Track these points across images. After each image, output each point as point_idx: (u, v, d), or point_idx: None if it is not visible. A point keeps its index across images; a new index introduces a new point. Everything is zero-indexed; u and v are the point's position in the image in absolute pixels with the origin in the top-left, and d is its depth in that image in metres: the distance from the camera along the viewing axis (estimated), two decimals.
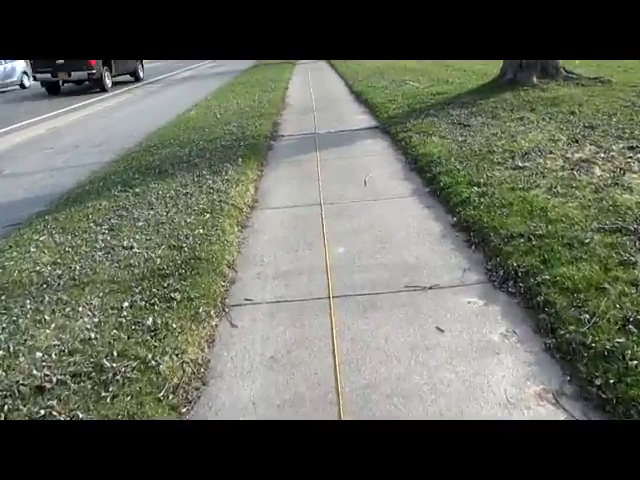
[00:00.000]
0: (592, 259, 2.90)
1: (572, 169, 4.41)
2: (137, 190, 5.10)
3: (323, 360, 2.49)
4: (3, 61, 20.12)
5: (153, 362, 2.40)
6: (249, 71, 20.30)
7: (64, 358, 2.50)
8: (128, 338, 2.62)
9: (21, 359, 2.52)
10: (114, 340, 2.61)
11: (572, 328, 2.38)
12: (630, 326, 2.31)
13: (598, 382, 2.08)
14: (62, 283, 3.30)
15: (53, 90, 16.93)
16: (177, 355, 2.47)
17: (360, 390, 2.27)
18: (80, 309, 2.95)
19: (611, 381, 2.04)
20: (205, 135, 7.64)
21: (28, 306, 3.02)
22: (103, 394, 2.22)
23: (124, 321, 2.77)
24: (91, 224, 4.30)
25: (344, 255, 3.59)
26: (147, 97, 15.08)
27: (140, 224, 4.18)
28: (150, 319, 2.75)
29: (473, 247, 3.52)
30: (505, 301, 2.84)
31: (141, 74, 20.25)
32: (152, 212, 4.42)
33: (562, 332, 2.39)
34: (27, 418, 2.10)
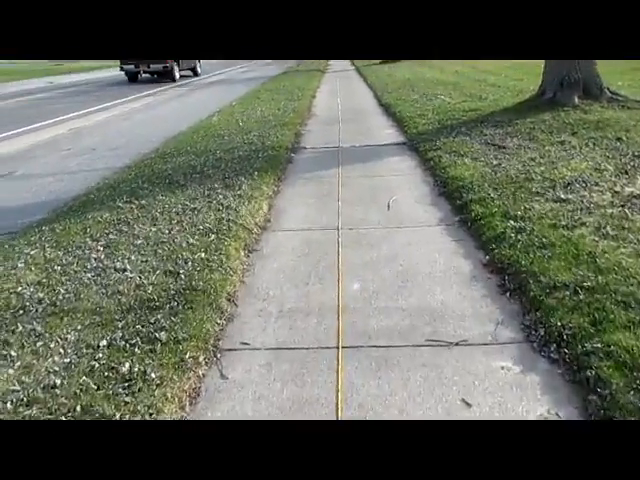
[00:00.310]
0: None
1: (623, 206, 3.91)
2: (143, 202, 4.75)
3: None
4: None
5: None
6: (278, 78, 20.04)
7: (20, 410, 2.13)
8: (97, 389, 2.23)
9: None
10: (81, 390, 2.22)
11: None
12: None
13: None
14: (41, 310, 2.94)
15: (133, 79, 20.32)
16: (150, 415, 2.07)
17: None
18: (52, 345, 2.58)
19: None
20: (223, 144, 7.30)
21: None
22: None
23: (97, 365, 2.39)
24: (87, 239, 3.96)
25: (359, 293, 3.17)
26: (172, 100, 14.89)
27: (139, 242, 3.82)
28: (127, 365, 2.36)
29: (508, 294, 3.06)
30: (546, 370, 2.38)
31: (199, 70, 23.06)
32: (154, 229, 4.06)
33: None
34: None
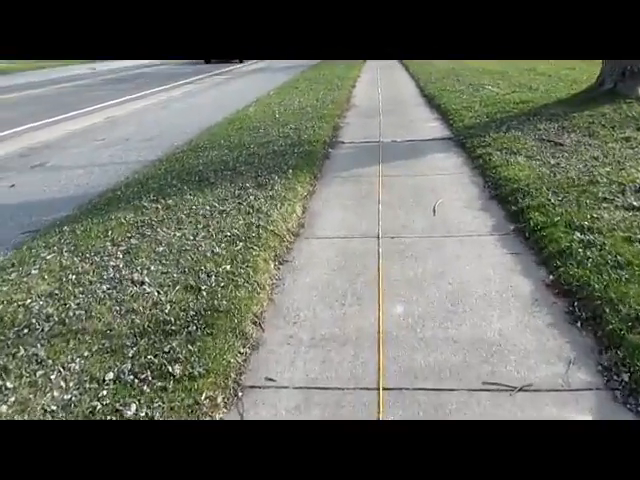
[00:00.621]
0: None
1: None
2: (169, 202, 4.45)
3: None
4: None
5: None
6: (317, 66, 19.57)
7: None
8: None
9: None
10: None
11: None
12: None
13: None
14: (47, 329, 2.65)
15: (208, 61, 23.30)
16: None
17: None
18: (54, 376, 2.28)
19: None
20: (258, 137, 6.95)
21: None
22: None
23: (99, 406, 2.07)
24: (107, 243, 3.67)
25: (403, 319, 2.77)
26: (211, 89, 14.65)
27: (161, 249, 3.51)
28: (133, 407, 2.04)
29: (579, 325, 2.61)
30: None
31: None
32: (178, 234, 3.74)
33: None
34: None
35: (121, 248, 3.59)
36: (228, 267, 3.18)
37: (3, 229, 4.39)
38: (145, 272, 3.20)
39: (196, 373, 2.23)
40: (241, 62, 24.24)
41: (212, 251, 3.42)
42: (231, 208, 4.19)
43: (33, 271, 3.32)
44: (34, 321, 2.72)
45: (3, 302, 2.92)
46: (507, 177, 4.63)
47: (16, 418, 2.03)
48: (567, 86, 9.59)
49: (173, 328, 2.57)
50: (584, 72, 11.18)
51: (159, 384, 2.18)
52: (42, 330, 2.64)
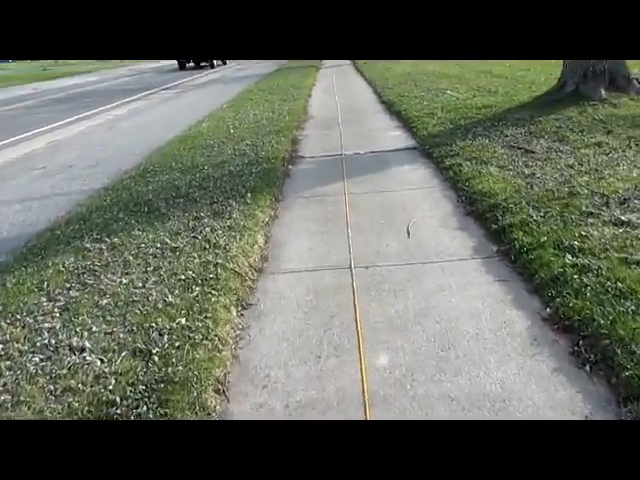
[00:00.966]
0: None
1: None
2: (115, 240, 3.97)
3: None
4: None
5: None
6: (271, 76, 19.20)
7: None
8: None
9: None
10: None
11: None
12: None
13: None
14: None
15: (182, 67, 25.72)
16: None
17: None
18: None
19: None
20: (212, 157, 6.51)
21: None
22: None
23: None
24: (43, 298, 3.18)
25: (389, 372, 2.40)
26: (161, 104, 14.06)
27: (105, 302, 3.05)
28: None
29: (588, 369, 2.30)
30: None
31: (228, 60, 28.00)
32: (125, 280, 3.29)
33: None
34: None
35: (59, 304, 3.11)
36: (183, 320, 2.75)
37: None
38: (86, 334, 2.73)
39: None
40: (224, 64, 27.94)
41: (164, 300, 2.98)
42: (185, 244, 3.75)
43: None
44: None
45: None
46: (482, 191, 4.34)
47: None
48: (526, 88, 9.49)
49: (118, 411, 2.13)
50: (540, 73, 11.18)
51: None
52: None
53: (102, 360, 2.50)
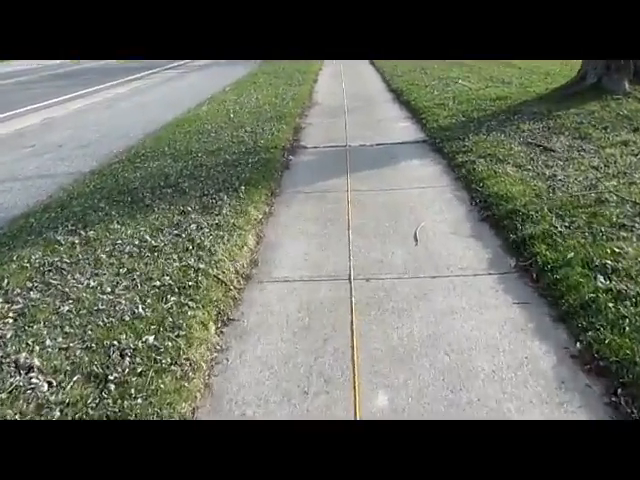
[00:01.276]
0: None
1: None
2: (90, 233, 3.58)
3: None
4: None
5: None
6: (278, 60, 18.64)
7: None
8: None
9: None
10: None
11: None
12: None
13: None
14: None
15: None
16: None
17: None
18: None
19: None
20: (208, 143, 6.09)
21: None
22: None
23: None
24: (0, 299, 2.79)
25: (390, 414, 2.01)
26: (162, 85, 13.60)
27: (66, 309, 2.66)
28: None
29: (630, 416, 1.89)
30: None
31: None
32: (93, 283, 2.90)
33: None
34: None
35: (15, 307, 2.73)
36: (151, 339, 2.36)
37: None
38: (37, 349, 2.35)
39: None
40: None
41: (133, 312, 2.59)
42: (166, 242, 3.35)
43: None
44: None
45: None
46: (498, 194, 3.92)
47: None
48: (541, 79, 9.02)
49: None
50: (555, 64, 10.67)
51: None
52: None
53: (50, 384, 2.12)
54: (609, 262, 2.76)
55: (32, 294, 2.84)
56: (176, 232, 3.50)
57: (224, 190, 4.30)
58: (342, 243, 3.53)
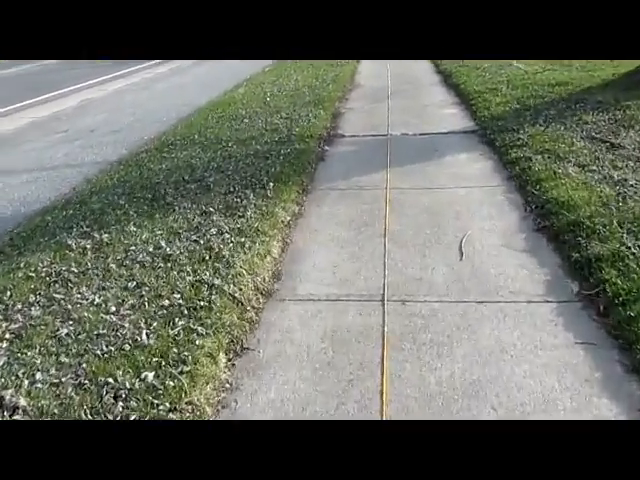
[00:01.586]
0: None
1: None
2: (104, 237, 3.32)
3: None
4: None
5: None
6: None
7: None
8: None
9: None
10: None
11: None
12: None
13: None
14: None
15: None
16: None
17: None
18: None
19: None
20: (240, 131, 5.76)
21: None
22: None
23: None
24: None
25: None
26: (202, 64, 13.31)
27: (65, 332, 2.41)
28: None
29: None
30: None
31: None
32: (98, 299, 2.63)
33: None
34: None
35: (13, 326, 2.49)
36: (151, 376, 2.07)
37: None
38: (26, 384, 2.10)
39: None
40: None
41: (136, 339, 2.30)
42: (182, 250, 3.05)
43: None
44: None
45: None
46: (558, 200, 3.44)
47: None
48: (606, 62, 8.22)
49: None
50: None
51: None
52: None
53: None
54: None
55: (33, 311, 2.60)
56: (194, 237, 3.20)
57: (251, 187, 3.97)
58: (377, 253, 3.15)
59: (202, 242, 3.13)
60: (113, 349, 2.24)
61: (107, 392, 2.00)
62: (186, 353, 2.19)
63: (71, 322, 2.46)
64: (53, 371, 2.15)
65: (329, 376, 2.19)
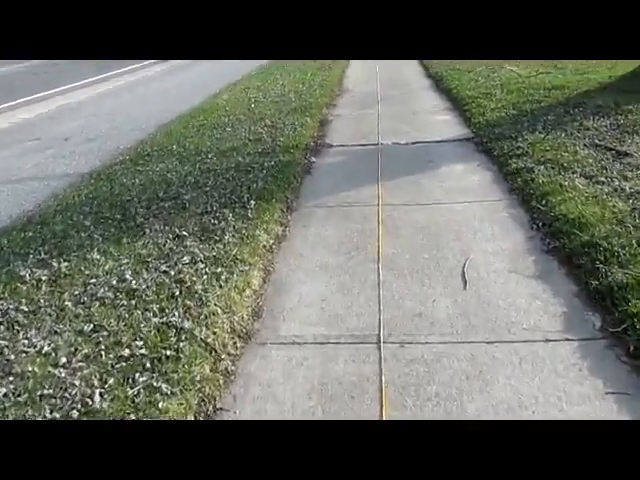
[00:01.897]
0: None
1: None
2: (63, 266, 2.95)
3: None
4: None
5: None
6: None
7: None
8: None
9: None
10: None
11: None
12: None
13: None
14: None
15: None
16: None
17: None
18: None
19: None
20: (222, 141, 5.40)
21: None
22: None
23: None
24: None
25: None
26: (187, 68, 12.94)
27: (2, 392, 2.01)
28: None
29: None
30: None
31: None
32: (47, 347, 2.28)
33: None
34: None
35: None
36: None
37: None
38: None
39: None
40: None
41: (86, 402, 1.92)
42: (149, 284, 2.68)
43: None
44: None
45: None
46: (567, 217, 3.13)
47: None
48: (601, 64, 7.96)
49: None
50: None
51: None
52: None
53: None
54: None
55: None
56: (164, 267, 2.83)
57: (230, 206, 3.61)
58: (370, 283, 2.80)
59: (173, 273, 2.76)
60: (58, 416, 1.86)
61: None
62: (145, 420, 1.81)
63: (12, 378, 2.08)
64: None
65: None
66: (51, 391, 1.99)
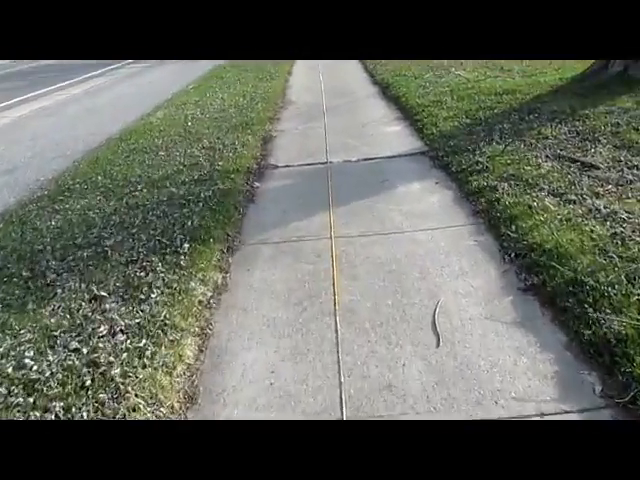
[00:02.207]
0: None
1: None
2: None
3: None
4: None
5: None
6: None
7: None
8: None
9: None
10: None
11: None
12: None
13: None
14: None
15: None
16: None
17: None
18: None
19: None
20: (154, 167, 4.85)
21: None
22: None
23: None
24: None
25: None
26: (122, 82, 12.20)
27: None
28: None
29: None
30: None
31: None
32: None
33: None
34: None
35: None
36: None
37: None
38: None
39: None
40: None
41: None
42: (54, 370, 2.15)
43: None
44: None
45: None
46: (543, 246, 2.79)
47: None
48: (546, 65, 7.84)
49: None
50: None
51: None
52: None
53: None
54: None
55: None
56: (75, 344, 2.30)
57: (160, 252, 3.10)
58: (327, 344, 2.36)
59: (85, 351, 2.25)
60: None
61: None
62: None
63: None
64: None
65: None
66: None
